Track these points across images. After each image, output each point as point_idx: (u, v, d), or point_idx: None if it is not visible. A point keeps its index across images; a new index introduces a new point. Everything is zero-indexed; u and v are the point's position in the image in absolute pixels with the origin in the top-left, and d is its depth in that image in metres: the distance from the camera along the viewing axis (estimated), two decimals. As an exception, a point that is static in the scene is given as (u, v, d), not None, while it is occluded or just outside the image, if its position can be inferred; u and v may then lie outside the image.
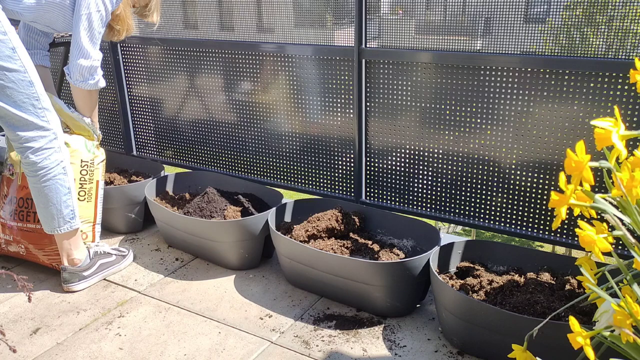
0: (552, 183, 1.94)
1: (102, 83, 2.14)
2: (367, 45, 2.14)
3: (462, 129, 2.05)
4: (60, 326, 1.89)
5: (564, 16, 1.96)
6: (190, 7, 2.71)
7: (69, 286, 2.08)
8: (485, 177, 2.06)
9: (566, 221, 1.96)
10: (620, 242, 1.87)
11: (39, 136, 1.89)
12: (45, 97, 1.90)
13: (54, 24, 2.05)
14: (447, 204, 2.17)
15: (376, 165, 2.30)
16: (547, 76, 1.84)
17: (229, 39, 2.54)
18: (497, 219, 2.09)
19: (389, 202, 2.32)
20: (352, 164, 2.34)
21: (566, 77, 1.81)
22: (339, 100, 2.29)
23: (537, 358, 1.05)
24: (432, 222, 2.18)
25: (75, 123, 2.19)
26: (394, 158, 2.24)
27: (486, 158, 2.03)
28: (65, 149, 2.00)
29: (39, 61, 2.30)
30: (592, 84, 1.78)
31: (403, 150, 2.20)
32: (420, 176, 2.20)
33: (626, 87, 1.73)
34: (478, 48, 2.02)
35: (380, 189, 2.33)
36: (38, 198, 1.97)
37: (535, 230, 2.02)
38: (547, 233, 2.00)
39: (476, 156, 2.05)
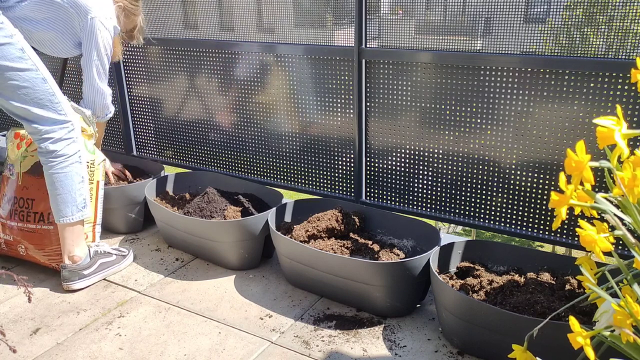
0: (552, 183, 1.94)
1: (113, 111, 2.34)
2: (367, 45, 2.14)
3: (462, 129, 2.05)
4: (60, 326, 1.88)
5: (564, 16, 1.96)
6: (190, 7, 2.70)
7: (68, 284, 2.08)
8: (485, 177, 2.06)
9: (566, 221, 1.96)
10: (621, 242, 1.87)
11: (59, 128, 1.96)
12: (58, 90, 1.96)
13: (45, 46, 2.08)
14: (447, 204, 2.17)
15: (376, 165, 2.30)
16: (547, 76, 1.84)
17: (229, 39, 2.54)
18: (497, 219, 2.09)
19: (389, 202, 2.32)
20: (352, 164, 2.34)
21: (566, 77, 1.81)
22: (339, 100, 2.29)
23: (537, 358, 1.05)
24: (432, 222, 2.18)
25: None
26: (394, 158, 2.24)
27: (486, 158, 2.03)
28: (82, 140, 2.06)
29: None
30: (592, 84, 1.78)
31: (403, 150, 2.20)
32: (420, 176, 2.20)
33: (626, 87, 1.73)
34: (478, 48, 2.02)
35: (380, 189, 2.33)
36: (53, 185, 2.00)
37: (535, 230, 2.02)
38: (547, 233, 2.00)
39: (476, 156, 2.05)
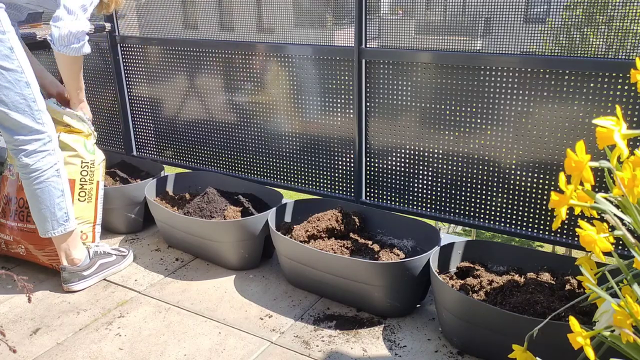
0: (552, 183, 1.94)
1: (87, 49, 1.96)
2: (367, 45, 2.14)
3: (462, 129, 2.05)
4: (60, 326, 1.89)
5: (564, 16, 1.96)
6: (190, 7, 2.71)
7: (68, 286, 2.08)
8: (485, 177, 2.06)
9: (566, 221, 1.96)
10: (621, 242, 1.87)
11: (33, 139, 1.89)
12: (41, 98, 1.90)
13: (47, 2, 2.01)
14: (447, 204, 2.17)
15: (376, 165, 2.30)
16: (547, 76, 1.84)
17: (229, 39, 2.54)
18: (497, 219, 2.09)
19: (389, 202, 2.32)
20: (352, 164, 2.34)
21: (566, 77, 1.81)
22: (339, 100, 2.29)
23: (537, 358, 1.05)
24: (432, 222, 2.18)
25: (70, 120, 2.17)
26: (394, 158, 2.24)
27: (486, 158, 2.03)
28: (59, 151, 1.99)
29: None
30: (592, 84, 1.78)
31: (403, 150, 2.20)
32: (420, 176, 2.20)
33: (626, 87, 1.73)
34: (478, 48, 2.02)
35: (380, 189, 2.33)
36: (32, 200, 1.96)
37: (535, 230, 2.02)
38: (547, 233, 2.00)
39: (476, 156, 2.05)
